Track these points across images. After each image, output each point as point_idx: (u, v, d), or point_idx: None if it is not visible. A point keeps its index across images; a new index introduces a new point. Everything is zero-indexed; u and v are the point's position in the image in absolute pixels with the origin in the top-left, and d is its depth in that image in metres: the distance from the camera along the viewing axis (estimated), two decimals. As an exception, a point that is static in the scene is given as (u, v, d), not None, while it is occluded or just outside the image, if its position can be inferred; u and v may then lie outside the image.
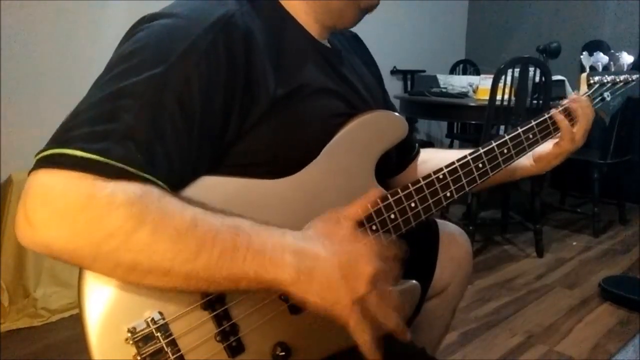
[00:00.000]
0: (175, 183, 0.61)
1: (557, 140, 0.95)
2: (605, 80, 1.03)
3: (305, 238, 0.63)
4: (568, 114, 0.95)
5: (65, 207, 0.52)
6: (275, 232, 0.62)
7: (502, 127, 2.52)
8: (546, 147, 0.96)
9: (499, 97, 2.44)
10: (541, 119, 0.93)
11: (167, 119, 0.59)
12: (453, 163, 0.82)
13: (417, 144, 1.06)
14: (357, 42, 0.98)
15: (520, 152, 0.89)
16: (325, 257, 0.62)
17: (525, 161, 0.97)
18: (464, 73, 4.07)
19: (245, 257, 0.58)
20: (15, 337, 1.83)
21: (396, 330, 0.65)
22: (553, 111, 0.94)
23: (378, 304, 0.63)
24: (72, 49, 2.27)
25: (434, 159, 0.99)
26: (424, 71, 3.89)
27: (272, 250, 0.59)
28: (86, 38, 2.28)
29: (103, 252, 0.53)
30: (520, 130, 0.90)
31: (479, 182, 0.84)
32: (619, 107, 1.06)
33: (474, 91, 2.85)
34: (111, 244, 0.53)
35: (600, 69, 1.04)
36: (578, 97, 0.96)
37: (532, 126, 0.91)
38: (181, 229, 0.55)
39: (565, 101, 0.96)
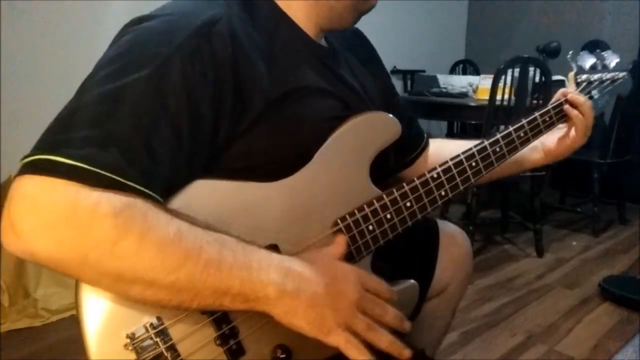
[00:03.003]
0: (165, 188, 0.60)
1: (563, 132, 0.98)
2: (592, 79, 1.05)
3: (292, 259, 0.64)
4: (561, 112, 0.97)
5: (50, 217, 0.51)
6: (261, 249, 0.63)
7: (502, 127, 2.51)
8: (555, 138, 1.00)
9: (499, 97, 2.44)
10: (531, 117, 0.94)
11: (153, 124, 0.58)
12: (447, 162, 0.82)
13: (425, 136, 1.07)
14: (358, 38, 0.98)
15: (512, 150, 0.91)
16: (310, 277, 0.63)
17: (535, 154, 1.01)
18: (464, 73, 4.07)
19: (231, 269, 0.58)
20: (15, 337, 1.83)
21: (391, 350, 0.67)
22: (547, 108, 0.96)
23: (367, 329, 0.65)
24: (72, 49, 2.27)
25: (445, 150, 1.00)
26: (424, 71, 3.88)
27: (258, 266, 0.60)
28: (87, 38, 2.28)
29: (88, 261, 0.53)
30: (511, 128, 0.91)
31: (472, 180, 0.85)
32: (606, 105, 1.08)
33: (474, 91, 2.85)
34: (96, 254, 0.53)
35: (587, 68, 1.05)
36: (575, 97, 0.97)
37: (523, 125, 0.92)
38: (166, 239, 0.55)
39: (563, 97, 0.98)
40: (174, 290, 0.57)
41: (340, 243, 0.71)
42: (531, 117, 0.94)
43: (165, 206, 0.60)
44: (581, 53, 1.06)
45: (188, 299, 0.58)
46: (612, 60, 1.08)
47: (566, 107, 0.96)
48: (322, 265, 0.66)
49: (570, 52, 1.06)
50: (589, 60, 1.05)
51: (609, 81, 1.06)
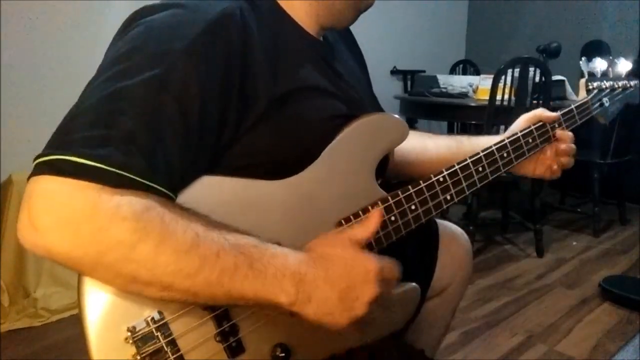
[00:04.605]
0: (175, 186, 0.61)
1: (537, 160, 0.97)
2: (604, 86, 1.05)
3: (308, 262, 0.63)
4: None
5: (71, 216, 0.52)
6: (278, 254, 0.62)
7: (502, 127, 2.52)
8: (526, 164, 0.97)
9: (499, 97, 2.44)
10: (540, 123, 0.93)
11: (166, 122, 0.58)
12: (453, 166, 0.82)
13: None
14: (348, 33, 0.97)
15: (520, 156, 0.90)
16: (324, 283, 0.62)
17: None
18: (464, 73, 4.06)
19: (246, 277, 0.58)
20: (15, 337, 1.83)
21: None
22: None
23: (371, 314, 0.65)
24: (72, 48, 2.27)
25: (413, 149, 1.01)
26: (424, 71, 3.88)
27: (273, 274, 0.60)
28: (86, 37, 2.28)
29: (104, 262, 0.53)
30: (520, 134, 0.90)
31: (479, 185, 0.84)
32: (617, 113, 1.07)
33: (474, 91, 2.85)
34: (113, 256, 0.53)
35: (599, 74, 1.05)
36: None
37: (532, 130, 0.92)
38: (184, 245, 0.55)
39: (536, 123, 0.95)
40: (189, 293, 0.57)
41: (369, 227, 0.69)
42: (540, 124, 0.93)
43: (182, 206, 0.60)
44: (593, 59, 1.06)
45: (202, 301, 0.60)
46: (625, 67, 1.07)
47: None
48: (341, 265, 0.64)
49: (583, 59, 1.06)
50: (600, 67, 1.05)
51: (620, 89, 1.06)
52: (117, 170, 0.53)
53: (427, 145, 1.01)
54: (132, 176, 0.54)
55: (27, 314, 1.92)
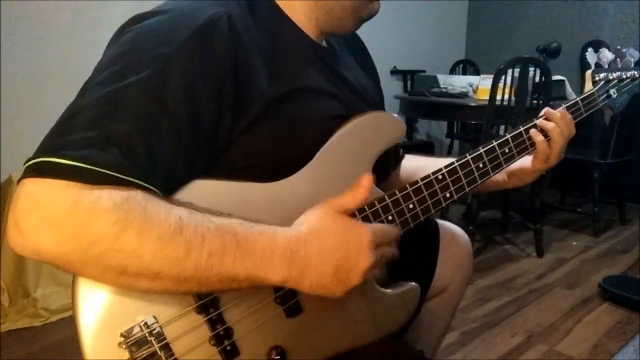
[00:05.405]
0: (165, 187, 0.60)
1: (532, 156, 0.93)
2: (610, 77, 1.02)
3: (298, 238, 0.63)
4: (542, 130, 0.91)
5: (52, 214, 0.52)
6: (265, 231, 0.62)
7: (502, 127, 2.52)
8: (520, 163, 0.93)
9: (499, 97, 2.44)
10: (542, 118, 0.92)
11: (154, 125, 0.58)
12: (452, 163, 0.81)
13: (400, 150, 1.03)
14: (354, 40, 0.97)
15: (522, 151, 0.89)
16: (316, 257, 0.62)
17: (499, 176, 0.91)
18: (464, 73, 4.07)
19: (235, 258, 0.58)
20: (15, 337, 1.83)
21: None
22: (541, 119, 0.92)
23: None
24: (72, 48, 2.27)
25: (414, 165, 0.98)
26: (424, 71, 3.88)
27: (262, 253, 0.60)
28: (86, 38, 2.28)
29: (91, 256, 0.53)
30: (522, 128, 0.89)
31: (479, 182, 0.83)
32: (625, 104, 1.05)
33: (474, 91, 2.85)
34: (98, 249, 0.53)
35: (606, 65, 1.03)
36: (553, 113, 0.91)
37: (535, 124, 0.91)
38: (168, 230, 0.55)
39: (540, 114, 0.92)
40: (180, 280, 0.57)
41: (357, 195, 0.67)
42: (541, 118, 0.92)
43: (165, 197, 0.60)
44: (600, 50, 1.04)
45: (196, 287, 0.59)
46: (634, 57, 1.06)
47: (532, 130, 0.89)
48: (332, 236, 0.63)
49: (589, 49, 1.04)
50: (607, 58, 1.03)
51: (628, 79, 1.03)
52: (97, 169, 0.54)
53: (438, 165, 0.98)
54: (113, 173, 0.54)
55: (27, 314, 1.92)
